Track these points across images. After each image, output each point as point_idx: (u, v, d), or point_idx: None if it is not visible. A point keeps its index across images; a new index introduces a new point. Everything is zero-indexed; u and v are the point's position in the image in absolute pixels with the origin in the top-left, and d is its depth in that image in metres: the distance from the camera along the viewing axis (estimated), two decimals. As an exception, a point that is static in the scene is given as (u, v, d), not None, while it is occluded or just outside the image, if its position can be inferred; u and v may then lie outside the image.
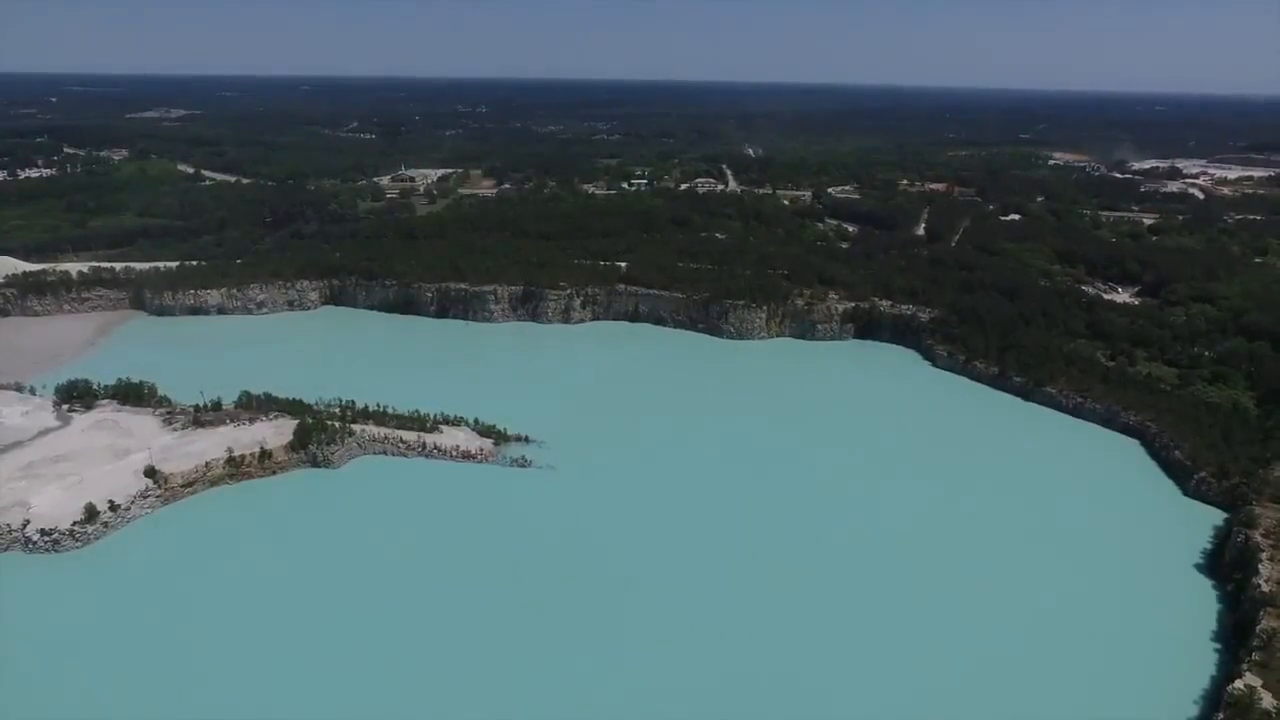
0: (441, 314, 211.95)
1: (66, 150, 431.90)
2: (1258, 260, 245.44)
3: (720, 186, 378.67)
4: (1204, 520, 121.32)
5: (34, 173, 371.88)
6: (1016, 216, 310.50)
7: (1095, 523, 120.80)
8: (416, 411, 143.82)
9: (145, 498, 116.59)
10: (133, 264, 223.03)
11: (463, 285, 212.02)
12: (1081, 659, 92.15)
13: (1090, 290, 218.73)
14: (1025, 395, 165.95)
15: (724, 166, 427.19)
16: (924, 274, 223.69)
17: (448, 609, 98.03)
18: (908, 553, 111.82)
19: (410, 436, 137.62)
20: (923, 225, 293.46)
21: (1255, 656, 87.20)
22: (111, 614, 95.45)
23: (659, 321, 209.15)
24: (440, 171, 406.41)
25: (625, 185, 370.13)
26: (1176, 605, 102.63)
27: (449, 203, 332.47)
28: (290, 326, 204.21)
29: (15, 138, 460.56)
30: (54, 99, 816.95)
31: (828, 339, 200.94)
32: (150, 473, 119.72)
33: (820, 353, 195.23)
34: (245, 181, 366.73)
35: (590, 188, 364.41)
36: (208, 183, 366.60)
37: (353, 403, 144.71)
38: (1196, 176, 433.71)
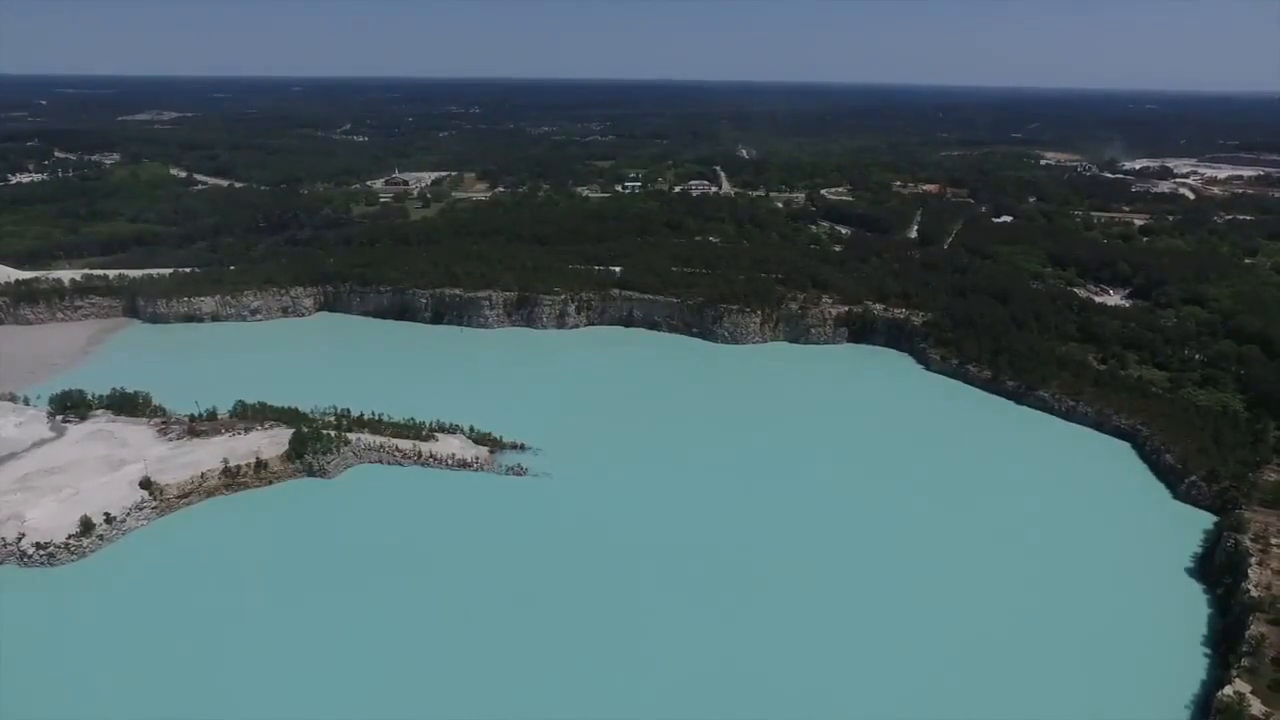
0: (436, 320, 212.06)
1: (58, 154, 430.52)
2: (1248, 261, 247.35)
3: (714, 189, 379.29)
4: (1194, 524, 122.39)
5: (25, 178, 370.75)
6: (1009, 218, 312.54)
7: (1086, 526, 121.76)
8: (412, 419, 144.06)
9: (141, 510, 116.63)
10: (126, 271, 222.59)
11: (457, 291, 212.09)
12: (1071, 663, 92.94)
13: (1082, 293, 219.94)
14: (1018, 399, 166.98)
15: (718, 168, 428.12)
16: (917, 277, 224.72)
17: (445, 618, 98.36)
18: (900, 556, 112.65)
19: (406, 445, 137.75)
20: (915, 228, 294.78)
21: (1244, 662, 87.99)
22: (108, 628, 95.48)
23: (653, 326, 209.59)
24: (434, 175, 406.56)
25: (619, 188, 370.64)
26: (1167, 610, 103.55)
27: (443, 207, 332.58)
28: (285, 333, 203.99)
29: (6, 141, 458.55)
30: (44, 101, 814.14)
31: (822, 343, 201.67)
32: (146, 484, 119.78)
33: (814, 356, 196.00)
34: (238, 186, 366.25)
35: (584, 190, 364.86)
36: (200, 187, 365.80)
37: (348, 411, 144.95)
38: (1187, 176, 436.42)
